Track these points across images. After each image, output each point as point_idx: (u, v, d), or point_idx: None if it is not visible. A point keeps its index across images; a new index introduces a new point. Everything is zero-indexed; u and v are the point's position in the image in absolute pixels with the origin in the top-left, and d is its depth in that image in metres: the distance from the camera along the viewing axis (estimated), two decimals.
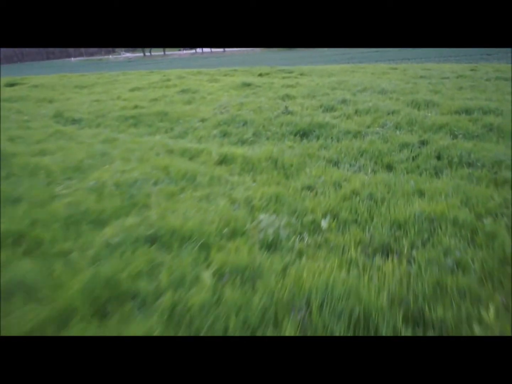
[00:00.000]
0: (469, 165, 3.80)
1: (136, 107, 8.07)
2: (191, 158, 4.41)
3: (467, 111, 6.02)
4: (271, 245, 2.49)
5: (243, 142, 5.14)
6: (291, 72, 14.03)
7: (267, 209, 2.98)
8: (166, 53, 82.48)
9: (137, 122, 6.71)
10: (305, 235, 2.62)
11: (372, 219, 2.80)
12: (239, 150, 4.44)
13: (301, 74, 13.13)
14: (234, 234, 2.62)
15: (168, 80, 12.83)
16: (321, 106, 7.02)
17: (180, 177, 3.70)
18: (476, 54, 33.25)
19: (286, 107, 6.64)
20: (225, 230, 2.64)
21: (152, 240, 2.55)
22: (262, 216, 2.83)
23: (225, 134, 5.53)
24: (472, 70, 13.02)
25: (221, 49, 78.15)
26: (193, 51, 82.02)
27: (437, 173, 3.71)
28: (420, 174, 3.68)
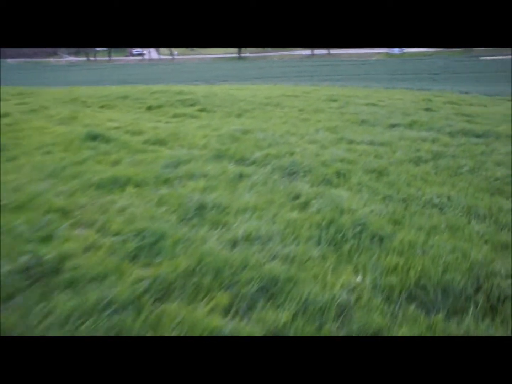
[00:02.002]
0: None
1: None
2: None
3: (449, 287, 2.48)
4: None
5: None
6: (193, 104, 10.24)
7: None
8: (112, 58, 76.47)
9: None
10: None
11: None
12: None
13: (201, 110, 9.36)
14: None
15: None
16: (138, 235, 3.22)
17: None
18: (423, 73, 32.31)
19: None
20: None
21: None
22: None
23: None
24: (426, 109, 9.97)
25: (170, 56, 73.44)
26: (140, 57, 76.59)
27: None
28: None
